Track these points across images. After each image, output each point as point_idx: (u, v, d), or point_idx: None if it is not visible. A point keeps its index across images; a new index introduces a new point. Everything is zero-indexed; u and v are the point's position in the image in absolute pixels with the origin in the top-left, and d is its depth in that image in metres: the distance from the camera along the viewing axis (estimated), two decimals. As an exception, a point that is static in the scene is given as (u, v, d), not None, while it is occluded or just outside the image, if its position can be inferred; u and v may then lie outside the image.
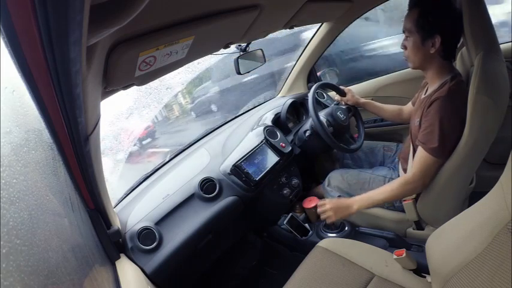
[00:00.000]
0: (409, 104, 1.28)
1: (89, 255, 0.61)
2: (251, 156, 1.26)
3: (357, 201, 1.06)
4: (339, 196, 1.31)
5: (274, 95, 1.93)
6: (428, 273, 0.77)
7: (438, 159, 0.93)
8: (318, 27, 1.59)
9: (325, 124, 1.31)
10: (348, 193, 1.29)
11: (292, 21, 1.10)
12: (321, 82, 1.41)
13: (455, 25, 0.89)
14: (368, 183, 1.23)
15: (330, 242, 1.01)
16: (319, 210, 1.11)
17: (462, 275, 0.59)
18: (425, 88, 1.08)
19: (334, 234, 1.27)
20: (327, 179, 1.37)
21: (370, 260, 0.91)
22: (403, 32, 0.99)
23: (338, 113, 1.36)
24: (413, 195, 1.07)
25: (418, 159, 0.97)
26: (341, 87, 1.45)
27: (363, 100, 1.41)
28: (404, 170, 1.13)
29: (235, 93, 3.18)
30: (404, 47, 1.00)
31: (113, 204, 1.10)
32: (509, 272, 0.49)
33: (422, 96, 1.06)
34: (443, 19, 0.90)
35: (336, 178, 1.33)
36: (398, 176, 1.19)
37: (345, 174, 1.30)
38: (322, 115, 1.34)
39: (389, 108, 1.36)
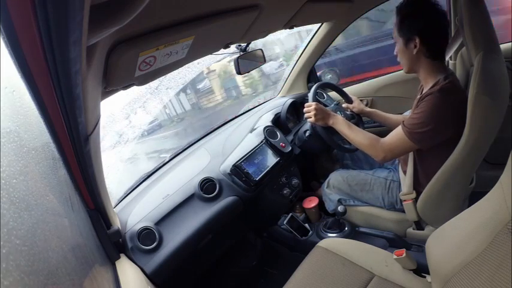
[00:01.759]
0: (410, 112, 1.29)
1: (89, 255, 0.61)
2: (251, 156, 1.26)
3: (336, 120, 1.14)
4: (339, 199, 1.31)
5: (274, 95, 1.93)
6: (428, 273, 0.77)
7: (414, 145, 0.96)
8: (318, 27, 1.59)
9: None
10: (348, 194, 1.29)
11: (292, 21, 1.10)
12: (321, 82, 1.41)
13: (432, 24, 0.93)
14: (369, 184, 1.23)
15: (330, 242, 1.01)
16: (305, 110, 1.19)
17: (462, 275, 0.59)
18: (421, 90, 1.09)
19: (334, 234, 1.27)
20: (326, 181, 1.37)
21: (370, 260, 0.91)
22: (393, 38, 1.04)
23: (338, 112, 1.36)
24: (414, 195, 1.07)
25: (395, 136, 1.00)
26: (346, 92, 1.45)
27: (368, 109, 1.41)
28: (404, 172, 1.13)
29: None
30: (396, 53, 1.05)
31: (113, 204, 1.10)
32: (509, 272, 0.49)
33: (418, 96, 1.07)
34: (418, 20, 0.94)
35: (336, 179, 1.33)
36: (399, 177, 1.19)
37: (345, 176, 1.30)
38: None
39: (394, 117, 1.36)
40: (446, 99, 0.90)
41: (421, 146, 0.96)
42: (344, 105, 1.47)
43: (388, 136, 1.03)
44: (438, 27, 0.94)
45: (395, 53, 1.05)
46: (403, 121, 0.98)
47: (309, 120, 1.19)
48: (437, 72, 0.98)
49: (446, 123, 0.91)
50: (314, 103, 1.17)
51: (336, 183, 1.32)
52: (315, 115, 1.15)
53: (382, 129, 1.68)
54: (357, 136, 1.09)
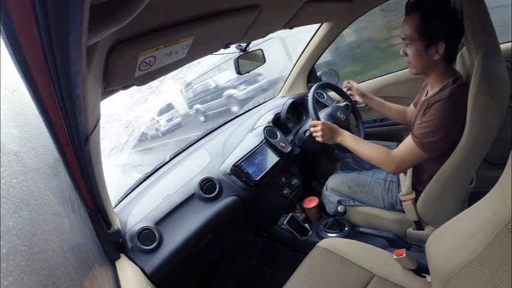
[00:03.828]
0: (411, 106, 1.27)
1: (89, 255, 0.61)
2: (251, 156, 1.26)
3: (344, 137, 1.11)
4: (339, 201, 1.31)
5: (274, 95, 1.93)
6: (428, 273, 0.77)
7: (425, 154, 0.93)
8: (317, 27, 1.59)
9: None
10: (348, 196, 1.29)
11: (292, 21, 1.10)
12: (321, 82, 1.41)
13: (457, 27, 0.87)
14: (369, 185, 1.23)
15: (330, 242, 1.01)
16: (312, 128, 1.16)
17: (462, 275, 0.59)
18: (426, 90, 1.07)
19: (334, 234, 1.27)
20: (326, 184, 1.37)
21: (370, 260, 0.91)
22: (403, 38, 0.95)
23: (338, 113, 1.36)
24: (413, 195, 1.07)
25: (405, 147, 0.97)
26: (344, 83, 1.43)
27: (369, 94, 1.37)
28: (404, 172, 1.13)
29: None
30: (405, 53, 0.97)
31: (113, 204, 1.10)
32: (509, 272, 0.49)
33: (423, 98, 1.05)
34: (445, 23, 0.87)
35: (335, 182, 1.33)
36: (398, 178, 1.19)
37: (345, 178, 1.30)
38: (323, 117, 1.34)
39: (395, 107, 1.34)
40: (456, 106, 0.87)
41: (431, 155, 0.93)
42: (344, 88, 1.43)
43: (398, 148, 1.00)
44: (461, 31, 0.86)
45: (402, 53, 0.98)
46: (412, 130, 0.95)
47: (316, 139, 1.15)
48: (447, 75, 0.94)
49: (456, 129, 0.88)
50: (321, 122, 1.13)
51: (336, 186, 1.32)
52: (322, 135, 1.12)
53: (382, 130, 1.69)
54: (366, 150, 1.05)
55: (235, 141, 1.36)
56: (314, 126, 1.15)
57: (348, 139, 1.10)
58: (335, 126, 1.14)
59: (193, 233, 1.01)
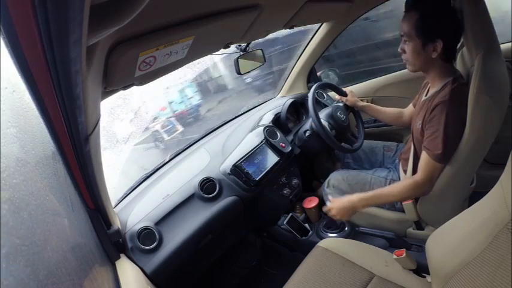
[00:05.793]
0: (410, 106, 1.27)
1: (89, 255, 0.61)
2: (251, 156, 1.26)
3: (360, 202, 1.03)
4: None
5: (274, 95, 1.93)
6: (428, 273, 0.77)
7: (442, 165, 0.93)
8: (318, 27, 1.59)
9: (328, 128, 1.31)
10: (348, 194, 1.29)
11: (292, 21, 1.10)
12: (321, 82, 1.42)
13: (455, 27, 0.87)
14: (369, 184, 1.23)
15: (330, 242, 1.01)
16: (329, 213, 1.09)
17: (462, 275, 0.59)
18: (427, 89, 1.07)
19: (334, 234, 1.27)
20: (326, 181, 1.37)
21: (370, 260, 0.91)
22: (401, 35, 0.96)
23: (338, 113, 1.36)
24: (413, 196, 1.07)
25: (424, 164, 0.96)
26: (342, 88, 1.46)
27: (361, 103, 1.40)
28: (405, 171, 1.13)
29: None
30: (403, 50, 0.97)
31: (113, 204, 1.10)
32: (509, 272, 0.49)
33: (423, 98, 1.05)
34: (444, 22, 0.87)
35: (336, 179, 1.33)
36: (399, 177, 1.19)
37: (345, 175, 1.30)
38: (323, 117, 1.34)
39: (389, 111, 1.35)
40: (457, 107, 0.88)
41: (447, 162, 0.92)
42: (337, 97, 1.47)
43: (418, 170, 0.98)
44: (460, 30, 0.87)
45: (400, 50, 0.98)
46: (425, 146, 0.94)
47: (338, 220, 1.07)
48: (447, 74, 0.94)
49: (461, 130, 0.89)
50: (329, 205, 1.08)
51: (336, 183, 1.32)
52: (341, 216, 1.05)
53: (382, 129, 1.68)
54: (390, 196, 1.02)
55: (235, 141, 1.36)
56: (329, 213, 1.09)
57: (366, 200, 1.02)
58: (344, 200, 1.06)
59: (193, 233, 1.01)
